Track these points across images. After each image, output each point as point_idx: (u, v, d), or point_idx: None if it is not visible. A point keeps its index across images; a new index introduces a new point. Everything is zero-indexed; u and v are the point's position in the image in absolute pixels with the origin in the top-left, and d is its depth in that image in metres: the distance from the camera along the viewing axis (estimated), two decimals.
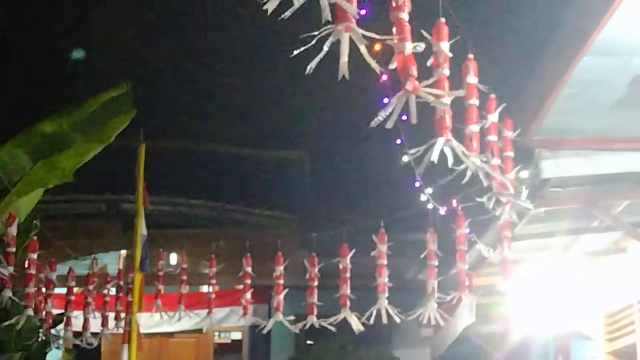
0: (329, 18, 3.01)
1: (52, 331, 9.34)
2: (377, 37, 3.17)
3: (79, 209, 14.35)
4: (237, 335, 15.77)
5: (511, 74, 6.42)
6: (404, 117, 3.46)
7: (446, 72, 3.96)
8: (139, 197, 8.07)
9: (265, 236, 10.97)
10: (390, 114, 3.37)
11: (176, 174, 14.13)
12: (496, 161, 5.13)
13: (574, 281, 10.08)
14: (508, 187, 5.11)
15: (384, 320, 7.12)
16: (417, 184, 7.24)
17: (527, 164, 6.31)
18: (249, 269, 8.71)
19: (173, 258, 12.60)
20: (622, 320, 9.98)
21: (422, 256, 7.10)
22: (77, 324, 9.49)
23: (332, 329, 7.70)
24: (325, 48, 3.08)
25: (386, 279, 7.27)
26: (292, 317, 8.12)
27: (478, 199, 5.28)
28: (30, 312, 8.05)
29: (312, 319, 7.85)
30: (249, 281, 8.72)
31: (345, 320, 7.54)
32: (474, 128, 4.63)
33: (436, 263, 7.00)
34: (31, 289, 8.11)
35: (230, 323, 13.68)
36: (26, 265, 8.08)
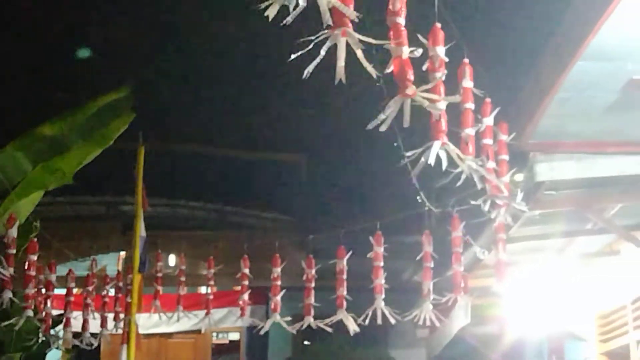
0: (330, 22, 3.01)
1: (52, 332, 9.31)
2: (374, 41, 3.17)
3: (79, 210, 14.34)
4: (234, 336, 15.77)
5: (506, 78, 6.42)
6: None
7: (442, 76, 3.95)
8: (138, 199, 8.06)
9: (263, 238, 10.96)
10: (385, 117, 3.38)
11: (175, 176, 14.12)
12: (491, 164, 5.13)
13: (568, 283, 10.09)
14: (503, 190, 5.11)
15: (379, 321, 7.11)
16: (414, 187, 7.23)
17: (521, 167, 6.32)
18: (247, 271, 8.70)
19: (172, 259, 12.61)
20: (616, 321, 9.98)
21: (418, 258, 7.09)
22: (76, 325, 9.47)
23: (329, 329, 7.69)
24: (323, 52, 3.08)
25: (383, 281, 7.27)
26: (289, 318, 8.13)
27: (473, 202, 5.28)
28: (30, 312, 8.03)
29: (309, 320, 7.84)
30: (246, 282, 8.72)
31: (342, 321, 7.53)
32: (470, 131, 4.63)
33: (432, 265, 6.99)
34: (31, 290, 8.09)
35: (228, 324, 13.69)
36: (26, 267, 8.06)
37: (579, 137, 6.41)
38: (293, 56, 3.08)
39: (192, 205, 14.86)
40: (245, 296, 8.72)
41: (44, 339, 9.15)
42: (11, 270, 7.59)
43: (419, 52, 3.46)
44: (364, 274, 7.41)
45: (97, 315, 9.58)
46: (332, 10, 2.99)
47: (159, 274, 9.40)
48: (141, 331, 9.41)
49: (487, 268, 8.03)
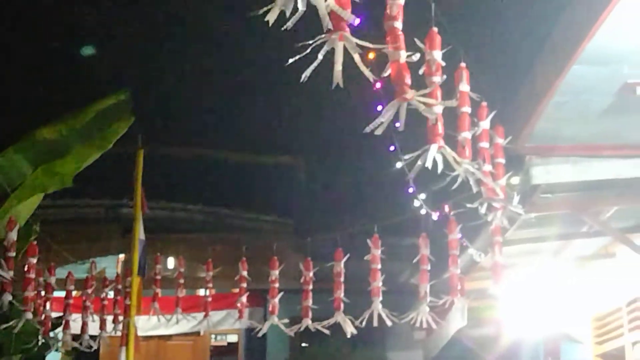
0: (330, 27, 3.00)
1: (51, 334, 9.30)
2: (371, 45, 3.16)
3: (78, 213, 14.32)
4: (233, 338, 15.73)
5: (503, 82, 6.42)
6: (398, 124, 3.45)
7: (439, 80, 3.95)
8: (137, 203, 8.05)
9: (261, 241, 10.96)
10: (380, 120, 3.37)
11: (174, 179, 14.12)
12: (488, 167, 5.12)
13: (564, 285, 10.09)
14: (499, 193, 5.11)
15: (375, 323, 7.10)
16: (410, 190, 7.23)
17: (518, 170, 6.32)
18: (245, 273, 8.69)
19: (170, 262, 12.60)
20: (611, 323, 9.97)
21: (415, 260, 7.08)
22: (75, 327, 9.45)
23: (327, 332, 7.68)
24: (320, 56, 3.07)
25: (380, 283, 7.26)
26: (287, 320, 8.11)
27: (469, 205, 5.28)
28: (30, 315, 8.02)
29: (307, 322, 7.84)
30: (244, 285, 8.71)
31: (339, 323, 7.52)
32: (467, 135, 4.62)
33: (429, 267, 6.99)
34: (30, 293, 8.08)
35: (227, 326, 13.65)
36: (26, 269, 8.05)
37: (575, 140, 6.41)
38: (291, 60, 3.08)
39: (191, 208, 14.86)
40: (244, 298, 8.71)
41: (43, 341, 9.13)
42: (11, 273, 7.58)
43: (416, 56, 3.46)
44: (362, 277, 7.40)
45: (96, 317, 9.56)
46: (331, 14, 2.98)
47: (158, 277, 9.39)
48: (140, 333, 9.42)
49: (483, 270, 8.03)
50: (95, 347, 9.46)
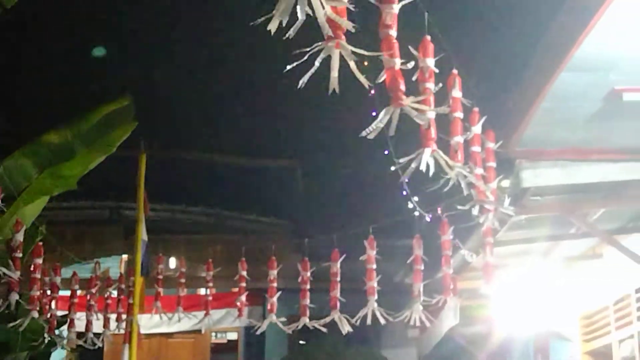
0: (330, 33, 3.00)
1: (56, 332, 9.28)
2: (366, 53, 3.17)
3: (83, 215, 14.32)
4: (232, 336, 15.73)
5: (494, 89, 6.43)
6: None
7: (432, 87, 3.96)
8: (140, 205, 8.06)
9: (259, 241, 10.97)
10: (375, 125, 3.38)
11: (175, 182, 14.12)
12: (479, 171, 5.12)
13: (553, 285, 10.10)
14: (489, 195, 5.11)
15: (369, 321, 7.09)
16: (404, 193, 7.23)
17: (508, 173, 6.32)
18: (244, 273, 8.67)
19: (172, 262, 12.59)
20: (599, 321, 9.99)
21: (409, 261, 7.08)
22: (80, 325, 9.42)
23: (324, 329, 7.67)
24: (317, 64, 3.08)
25: (375, 283, 7.25)
26: (284, 319, 8.09)
27: (461, 207, 5.28)
28: (36, 314, 7.99)
29: (305, 320, 7.82)
30: (244, 284, 8.69)
31: (336, 322, 7.51)
32: (459, 139, 4.62)
33: (422, 267, 6.98)
34: (36, 292, 8.06)
35: (227, 324, 13.66)
36: (32, 269, 8.03)
37: (563, 145, 6.42)
38: (288, 67, 3.08)
39: (192, 210, 14.86)
40: (243, 297, 8.69)
41: (49, 339, 9.11)
42: (18, 273, 7.56)
43: (410, 64, 3.47)
44: (357, 276, 7.39)
45: (100, 316, 9.54)
46: (328, 21, 2.98)
47: (160, 276, 9.36)
48: (142, 331, 9.40)
49: (475, 270, 8.03)
50: (99, 344, 9.43)
